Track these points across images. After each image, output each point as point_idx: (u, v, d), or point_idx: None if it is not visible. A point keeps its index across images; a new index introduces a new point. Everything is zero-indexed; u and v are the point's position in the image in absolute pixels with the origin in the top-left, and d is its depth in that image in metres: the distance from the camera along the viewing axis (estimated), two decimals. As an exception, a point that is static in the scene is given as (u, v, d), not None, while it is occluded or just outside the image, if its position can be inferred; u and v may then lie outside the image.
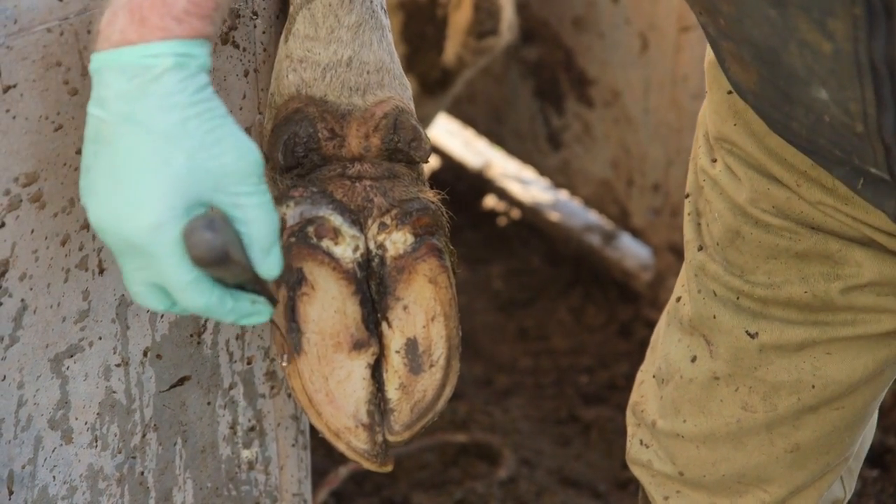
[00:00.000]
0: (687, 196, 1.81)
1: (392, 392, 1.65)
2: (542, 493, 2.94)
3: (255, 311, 1.51)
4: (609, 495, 2.96)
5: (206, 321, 1.80)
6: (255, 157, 1.45)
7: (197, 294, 1.44)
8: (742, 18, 1.43)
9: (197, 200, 1.43)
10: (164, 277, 1.44)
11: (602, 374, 3.29)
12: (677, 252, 3.31)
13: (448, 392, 1.67)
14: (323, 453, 2.94)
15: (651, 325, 3.38)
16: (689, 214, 1.81)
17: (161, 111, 1.41)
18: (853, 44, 1.36)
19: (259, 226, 1.46)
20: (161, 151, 1.41)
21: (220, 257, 1.40)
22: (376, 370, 1.65)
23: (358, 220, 1.65)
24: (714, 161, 1.75)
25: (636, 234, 3.43)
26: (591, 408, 3.19)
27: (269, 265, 1.48)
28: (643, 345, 3.34)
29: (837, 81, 1.40)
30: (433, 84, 3.25)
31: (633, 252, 3.51)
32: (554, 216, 3.66)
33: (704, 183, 1.77)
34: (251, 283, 1.49)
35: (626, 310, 3.45)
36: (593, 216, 3.61)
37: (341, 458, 2.94)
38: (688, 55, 3.13)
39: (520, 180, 3.80)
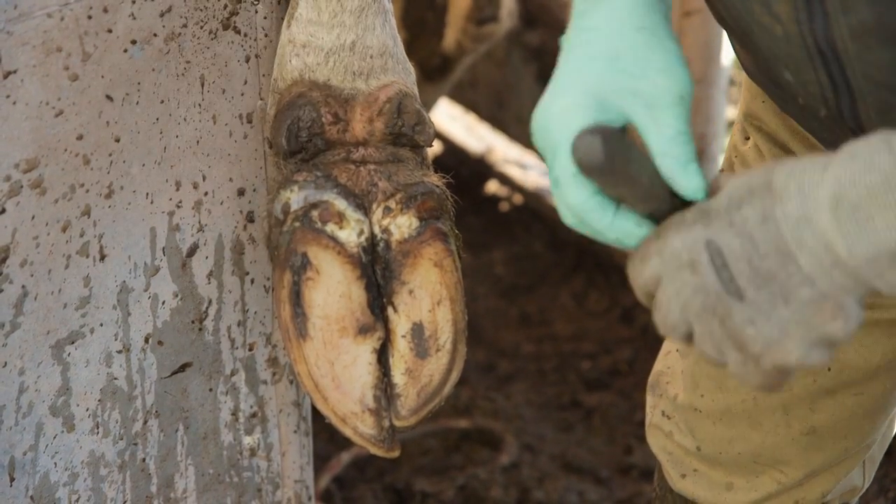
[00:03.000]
0: (721, 172, 1.81)
1: (398, 377, 1.65)
2: (545, 478, 2.94)
3: (639, 234, 1.40)
4: (611, 481, 2.96)
5: (207, 307, 1.80)
6: (683, 86, 1.42)
7: (575, 189, 1.38)
8: (722, 0, 1.44)
9: (613, 100, 1.40)
10: (555, 166, 1.41)
11: (604, 359, 3.29)
12: (680, 237, 3.29)
13: (455, 376, 1.67)
14: (325, 439, 2.93)
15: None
16: None
17: (608, 20, 1.42)
18: (797, 26, 1.35)
19: (664, 143, 1.39)
20: (595, 52, 1.41)
21: (599, 165, 1.32)
22: (382, 355, 1.65)
23: (362, 204, 1.64)
24: (747, 139, 1.75)
25: (639, 219, 3.42)
26: (594, 393, 3.19)
27: (689, 179, 1.38)
28: (645, 330, 3.33)
29: (795, 64, 1.40)
30: (433, 71, 3.24)
31: (635, 237, 3.50)
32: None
33: (735, 160, 1.77)
34: (643, 206, 1.38)
35: (629, 295, 3.44)
36: (595, 201, 3.59)
37: (343, 444, 2.94)
38: (690, 40, 3.12)
39: (522, 165, 3.79)
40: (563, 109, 1.40)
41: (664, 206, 1.37)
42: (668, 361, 1.90)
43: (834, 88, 1.39)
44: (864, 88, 1.37)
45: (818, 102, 1.43)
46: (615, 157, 1.32)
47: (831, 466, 1.83)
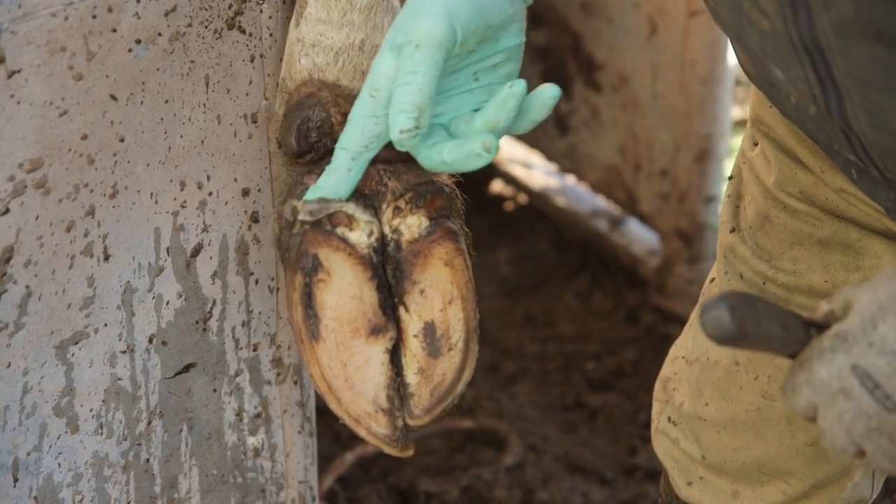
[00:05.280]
0: (730, 178, 1.81)
1: (411, 376, 1.65)
2: (549, 479, 2.93)
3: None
4: (615, 482, 2.96)
5: (211, 308, 1.79)
6: (436, 32, 1.49)
7: (358, 106, 1.55)
8: None
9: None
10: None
11: (609, 360, 3.28)
12: (685, 237, 3.29)
13: (467, 375, 1.68)
14: (329, 439, 2.93)
15: (658, 311, 3.37)
16: (728, 196, 1.80)
17: None
18: (783, 21, 1.35)
19: (402, 85, 1.51)
20: None
21: (732, 336, 1.34)
22: (395, 355, 1.65)
23: (372, 204, 1.64)
24: (755, 145, 1.75)
25: (643, 219, 3.42)
26: (598, 394, 3.18)
27: (394, 120, 1.52)
28: (650, 331, 3.33)
29: (784, 61, 1.39)
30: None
31: (640, 238, 3.50)
32: (561, 201, 3.65)
33: (744, 166, 1.77)
34: (783, 353, 1.40)
35: (634, 296, 3.44)
36: (600, 201, 3.60)
37: (347, 444, 2.94)
38: (696, 40, 3.11)
39: (527, 165, 3.78)
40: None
41: (804, 343, 1.38)
42: (675, 368, 1.90)
43: (821, 86, 1.39)
44: (850, 86, 1.36)
45: (807, 100, 1.42)
46: (745, 322, 1.33)
47: (837, 478, 1.82)
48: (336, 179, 1.58)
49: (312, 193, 1.60)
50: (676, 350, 1.92)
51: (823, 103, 1.40)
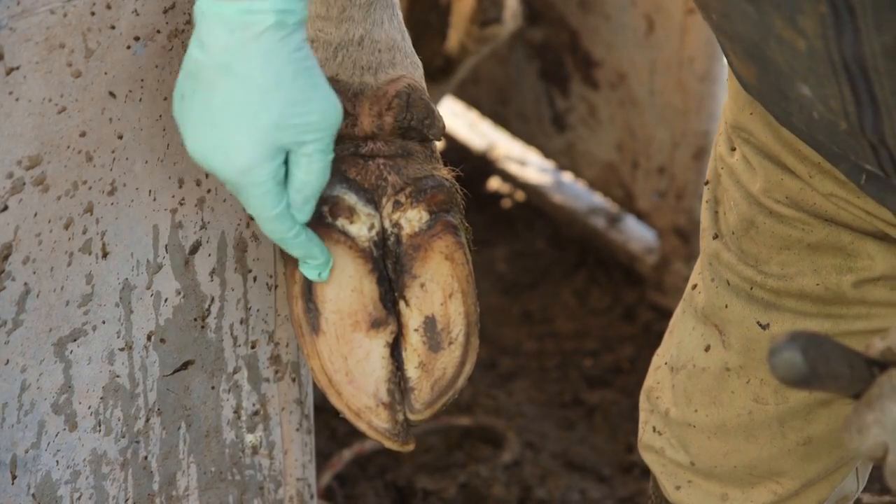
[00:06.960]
0: (706, 183, 1.80)
1: (412, 370, 1.65)
2: (547, 476, 2.93)
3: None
4: (613, 479, 2.96)
5: (209, 305, 1.79)
6: (335, 117, 1.52)
7: (279, 225, 1.55)
8: (728, 13, 1.42)
9: (280, 147, 1.50)
10: (253, 210, 1.53)
11: (606, 357, 3.28)
12: (682, 235, 3.29)
13: (468, 369, 1.68)
14: (326, 436, 2.93)
15: (656, 309, 3.37)
16: (706, 202, 1.79)
17: (260, 68, 1.47)
18: (824, 41, 1.34)
19: (312, 178, 1.53)
20: (255, 104, 1.47)
21: (805, 378, 1.31)
22: (395, 349, 1.65)
23: (372, 198, 1.64)
24: (733, 150, 1.74)
25: (641, 216, 3.42)
26: (596, 391, 3.18)
27: (304, 212, 1.56)
28: (648, 328, 3.33)
29: (816, 79, 1.39)
30: (436, 72, 3.24)
31: (637, 235, 3.50)
32: (558, 198, 3.65)
33: (722, 171, 1.75)
34: (849, 392, 1.37)
35: (631, 293, 3.44)
36: (598, 199, 3.60)
37: (345, 441, 2.94)
38: (694, 37, 3.11)
39: (524, 162, 3.78)
40: (244, 169, 1.51)
41: (868, 382, 1.36)
42: (658, 376, 1.90)
43: (857, 103, 1.38)
44: (892, 104, 1.37)
45: (838, 116, 1.42)
46: (817, 364, 1.31)
47: (828, 475, 1.82)
48: (297, 244, 1.60)
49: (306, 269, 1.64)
50: (658, 359, 1.92)
51: (857, 120, 1.40)
